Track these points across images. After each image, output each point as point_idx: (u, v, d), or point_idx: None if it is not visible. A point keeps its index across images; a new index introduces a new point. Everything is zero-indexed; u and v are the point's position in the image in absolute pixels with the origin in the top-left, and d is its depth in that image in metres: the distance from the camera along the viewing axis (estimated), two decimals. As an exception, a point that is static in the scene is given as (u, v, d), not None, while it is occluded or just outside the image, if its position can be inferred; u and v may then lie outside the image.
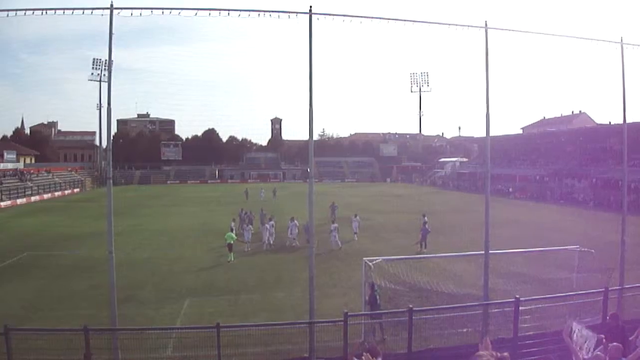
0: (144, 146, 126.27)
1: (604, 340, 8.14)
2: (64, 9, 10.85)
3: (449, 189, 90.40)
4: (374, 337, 14.09)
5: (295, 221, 30.33)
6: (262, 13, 11.27)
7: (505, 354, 4.74)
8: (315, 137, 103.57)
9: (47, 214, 49.85)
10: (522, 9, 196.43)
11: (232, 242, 26.26)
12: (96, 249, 27.22)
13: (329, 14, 11.61)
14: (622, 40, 14.53)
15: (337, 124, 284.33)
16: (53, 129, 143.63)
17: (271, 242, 29.81)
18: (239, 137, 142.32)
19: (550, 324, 13.37)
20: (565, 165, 71.93)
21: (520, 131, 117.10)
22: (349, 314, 11.18)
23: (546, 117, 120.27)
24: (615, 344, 7.46)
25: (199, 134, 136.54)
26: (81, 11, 10.82)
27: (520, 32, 13.36)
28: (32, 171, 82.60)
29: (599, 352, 7.47)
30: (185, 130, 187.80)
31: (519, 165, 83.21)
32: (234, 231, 28.21)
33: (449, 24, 12.65)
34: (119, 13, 10.93)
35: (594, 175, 62.77)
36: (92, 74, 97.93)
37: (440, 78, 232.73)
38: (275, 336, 12.71)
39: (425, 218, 30.94)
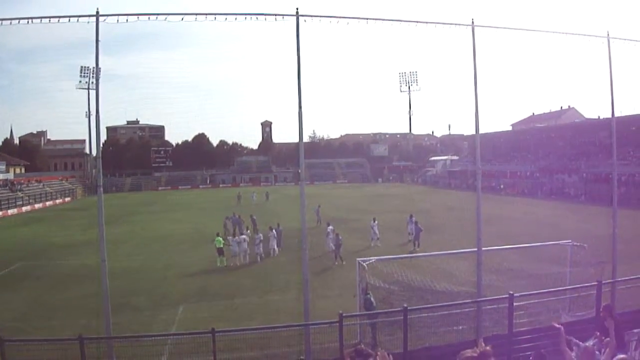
0: (134, 153, 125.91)
1: (597, 334, 8.17)
2: (49, 17, 10.80)
3: (440, 187, 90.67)
4: (372, 338, 14.12)
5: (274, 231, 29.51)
6: (248, 16, 11.24)
7: (488, 347, 4.77)
8: (306, 139, 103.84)
9: (38, 224, 49.52)
10: (510, 6, 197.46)
11: (221, 246, 26.16)
12: (89, 257, 27.02)
13: (316, 16, 11.62)
14: (608, 34, 14.63)
15: (327, 125, 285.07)
16: (42, 138, 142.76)
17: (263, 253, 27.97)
18: (230, 141, 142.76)
19: (545, 319, 13.43)
20: (556, 161, 72.35)
21: (510, 128, 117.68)
22: (343, 314, 11.18)
23: (535, 113, 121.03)
24: (609, 338, 7.48)
25: (189, 139, 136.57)
26: (67, 19, 10.76)
27: (507, 29, 13.42)
28: (22, 181, 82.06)
29: (588, 343, 7.46)
30: (175, 135, 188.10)
31: (509, 161, 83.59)
32: (243, 235, 27.93)
33: (436, 23, 12.69)
34: (104, 20, 10.89)
35: (584, 169, 63.19)
36: (80, 82, 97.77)
37: (429, 77, 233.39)
38: (271, 339, 12.70)
39: (414, 218, 30.87)
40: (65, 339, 11.80)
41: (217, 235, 27.17)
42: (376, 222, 31.38)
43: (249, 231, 30.28)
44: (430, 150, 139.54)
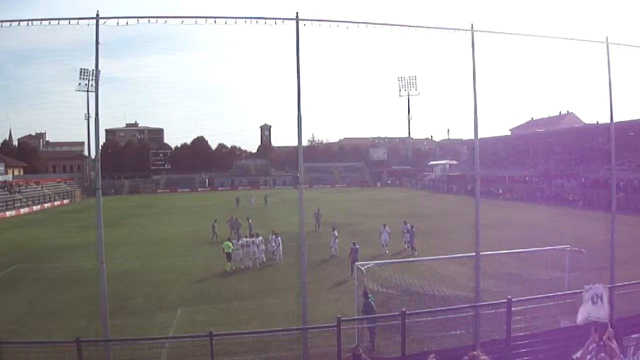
0: (133, 156, 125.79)
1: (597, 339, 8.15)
2: (50, 19, 10.81)
3: (439, 191, 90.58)
4: (370, 342, 14.12)
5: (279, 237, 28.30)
6: (248, 20, 11.25)
7: (474, 352, 4.90)
8: (305, 142, 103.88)
9: (37, 226, 49.46)
10: (510, 11, 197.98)
11: (230, 251, 25.97)
12: (87, 260, 27.02)
13: (316, 20, 11.63)
14: (607, 40, 14.66)
15: (326, 129, 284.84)
16: (41, 140, 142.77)
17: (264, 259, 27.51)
18: (229, 145, 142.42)
19: (543, 324, 13.42)
20: (554, 166, 72.37)
21: (509, 132, 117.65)
22: (342, 318, 11.17)
23: (534, 118, 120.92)
24: (614, 345, 7.48)
25: (188, 142, 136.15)
26: (67, 22, 10.77)
27: (506, 34, 13.44)
28: (21, 183, 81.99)
29: (602, 354, 7.48)
30: (174, 138, 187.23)
31: (508, 166, 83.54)
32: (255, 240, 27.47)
33: (436, 28, 12.71)
34: (104, 23, 10.88)
35: (582, 174, 63.18)
36: (79, 84, 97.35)
37: (428, 81, 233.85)
38: (269, 343, 12.66)
39: (408, 225, 30.57)
40: (63, 342, 11.79)
41: (228, 239, 27.07)
42: (387, 228, 29.70)
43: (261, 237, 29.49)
44: (429, 154, 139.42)
